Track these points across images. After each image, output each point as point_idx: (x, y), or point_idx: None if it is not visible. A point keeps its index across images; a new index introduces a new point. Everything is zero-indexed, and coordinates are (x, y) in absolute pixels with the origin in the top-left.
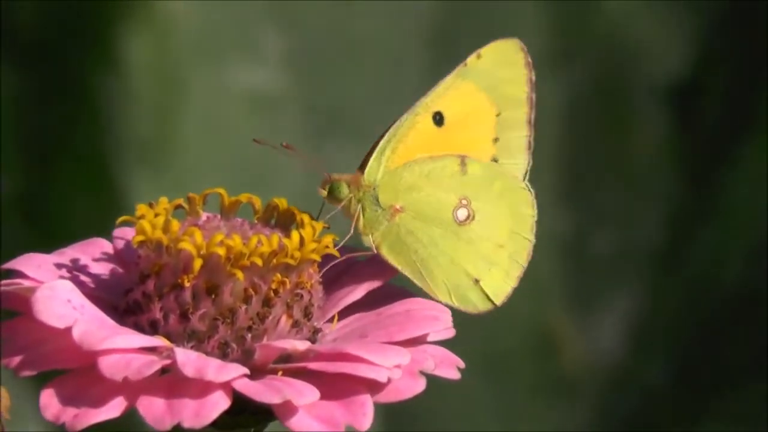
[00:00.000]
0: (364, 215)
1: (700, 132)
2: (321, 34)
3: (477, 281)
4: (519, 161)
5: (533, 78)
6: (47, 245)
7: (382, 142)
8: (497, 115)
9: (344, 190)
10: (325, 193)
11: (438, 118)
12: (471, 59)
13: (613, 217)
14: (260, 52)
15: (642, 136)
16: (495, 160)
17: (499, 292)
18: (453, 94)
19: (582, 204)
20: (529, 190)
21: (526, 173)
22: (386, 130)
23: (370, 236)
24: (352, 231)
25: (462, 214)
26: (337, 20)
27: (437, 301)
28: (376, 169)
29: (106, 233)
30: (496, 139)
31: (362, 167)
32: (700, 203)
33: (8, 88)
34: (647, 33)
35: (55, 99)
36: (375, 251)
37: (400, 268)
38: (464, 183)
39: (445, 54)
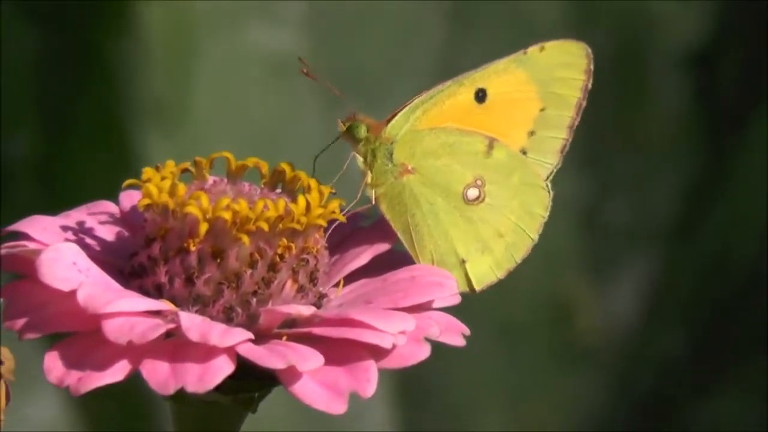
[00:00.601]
0: (373, 166)
1: (717, 102)
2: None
3: (463, 262)
4: (549, 160)
5: (589, 86)
6: (61, 208)
7: (416, 101)
8: (541, 110)
9: (362, 131)
10: (343, 128)
11: (481, 95)
12: (533, 49)
13: (629, 186)
14: (278, 16)
15: (659, 105)
16: (524, 152)
17: (482, 279)
18: (504, 77)
19: (598, 172)
20: (548, 191)
21: (551, 174)
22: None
23: (375, 189)
24: (362, 184)
25: (472, 193)
26: None
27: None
28: (401, 125)
29: (119, 196)
30: (532, 132)
31: (389, 120)
32: (717, 173)
33: (23, 51)
34: (665, 5)
35: (70, 62)
36: (374, 202)
37: (392, 224)
38: (485, 165)
39: (462, 25)
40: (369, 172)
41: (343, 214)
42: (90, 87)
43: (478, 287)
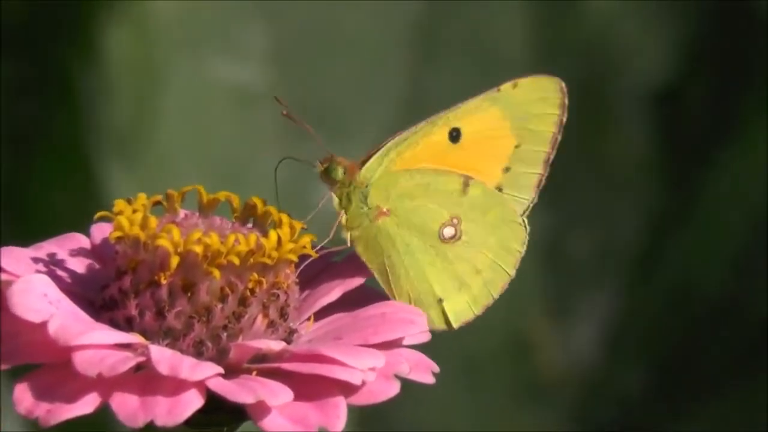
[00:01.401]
0: (348, 209)
1: (681, 136)
2: (304, 31)
3: (441, 300)
4: (525, 196)
5: (564, 120)
6: (24, 236)
7: (390, 143)
8: (516, 146)
9: (339, 173)
10: (321, 168)
11: (455, 135)
12: (506, 87)
13: (591, 220)
14: (242, 48)
15: (623, 139)
16: (499, 189)
17: (459, 316)
18: (478, 115)
19: (561, 206)
20: (525, 227)
21: (527, 209)
22: (395, 134)
23: (350, 231)
24: (335, 226)
25: (448, 232)
26: (320, 17)
27: None
28: (374, 168)
29: (82, 225)
30: (507, 169)
31: (363, 162)
32: (680, 208)
33: None
34: (630, 37)
35: (34, 90)
36: (350, 245)
37: (368, 266)
38: (461, 203)
39: (427, 54)
40: (344, 215)
41: (316, 251)
42: (54, 116)
43: (455, 324)
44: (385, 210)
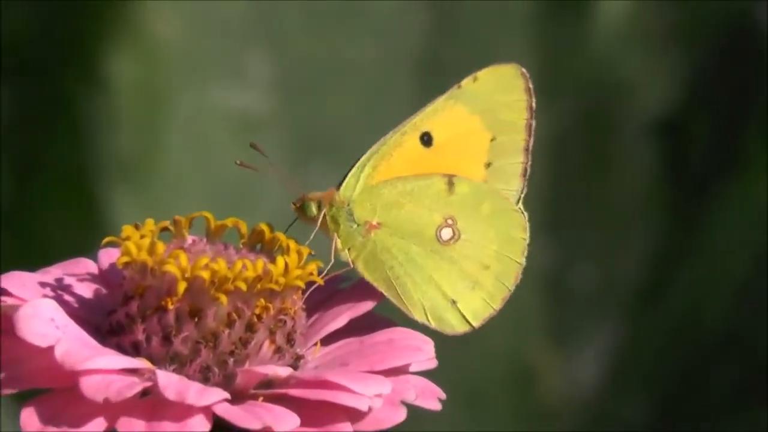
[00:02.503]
0: (338, 231)
1: (685, 170)
2: (308, 58)
3: (454, 302)
4: (512, 187)
5: (534, 104)
6: (27, 262)
7: (362, 159)
8: (491, 140)
9: (312, 209)
10: (296, 209)
11: (426, 139)
12: (466, 81)
13: (595, 252)
14: (246, 75)
15: (627, 172)
16: None
17: (478, 314)
18: (444, 115)
19: (565, 238)
20: (522, 213)
21: (519, 199)
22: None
23: (347, 251)
24: (332, 249)
25: (446, 233)
26: (324, 45)
27: (413, 319)
28: (353, 186)
29: (85, 250)
30: (488, 164)
31: (340, 184)
32: (684, 241)
33: None
34: (635, 70)
35: (39, 116)
36: (351, 266)
37: (375, 284)
38: (450, 202)
39: (431, 82)
40: (337, 239)
41: (321, 277)
42: (58, 141)
43: (476, 323)
44: (374, 223)
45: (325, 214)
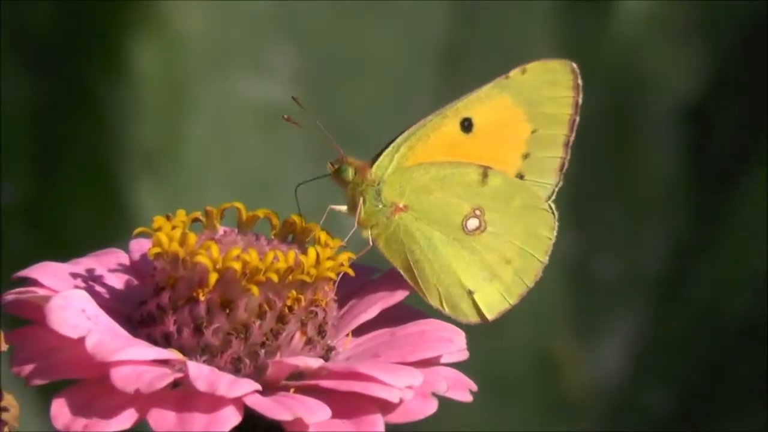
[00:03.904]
0: (363, 207)
1: (709, 159)
2: (331, 51)
3: (471, 293)
4: (548, 181)
5: (580, 101)
6: (51, 253)
7: (399, 139)
8: (532, 132)
9: (349, 174)
10: (332, 169)
11: (466, 125)
12: (514, 72)
13: (618, 242)
14: (270, 67)
15: (650, 161)
16: (520, 176)
17: (493, 308)
18: (488, 103)
19: (588, 227)
20: (552, 212)
21: (552, 194)
22: (404, 129)
23: (369, 230)
24: (355, 223)
25: (473, 224)
26: (348, 37)
27: (428, 303)
28: (386, 165)
29: (109, 242)
30: (526, 155)
31: (374, 160)
32: (707, 230)
33: (17, 96)
34: (658, 58)
35: (62, 107)
36: (371, 244)
37: (394, 264)
38: (481, 193)
39: (454, 75)
40: (359, 213)
41: (350, 264)
42: (82, 134)
43: (490, 316)
44: (401, 206)
45: (353, 186)
